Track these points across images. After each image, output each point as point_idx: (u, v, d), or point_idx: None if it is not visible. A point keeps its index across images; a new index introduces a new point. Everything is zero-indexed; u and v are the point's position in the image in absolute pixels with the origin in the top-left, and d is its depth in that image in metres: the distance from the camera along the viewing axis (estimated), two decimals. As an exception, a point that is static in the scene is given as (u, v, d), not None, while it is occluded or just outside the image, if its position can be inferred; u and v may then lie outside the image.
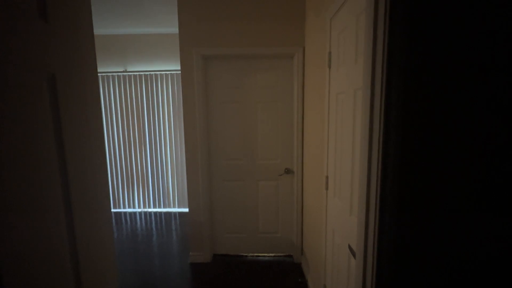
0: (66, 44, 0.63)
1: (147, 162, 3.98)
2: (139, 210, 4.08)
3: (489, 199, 0.63)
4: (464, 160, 0.65)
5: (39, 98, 0.55)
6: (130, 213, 4.01)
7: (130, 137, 3.94)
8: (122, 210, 4.08)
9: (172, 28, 3.50)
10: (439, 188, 0.70)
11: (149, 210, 4.08)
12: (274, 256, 2.74)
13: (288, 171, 2.61)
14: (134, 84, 3.81)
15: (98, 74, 3.73)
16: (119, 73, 3.76)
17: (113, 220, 3.77)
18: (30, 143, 0.51)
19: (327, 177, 1.68)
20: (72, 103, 0.64)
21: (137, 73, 3.76)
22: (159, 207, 4.07)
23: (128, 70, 3.77)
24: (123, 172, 4.00)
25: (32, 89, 0.53)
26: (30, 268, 0.50)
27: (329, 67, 1.61)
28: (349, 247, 1.24)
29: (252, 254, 2.76)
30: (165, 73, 3.77)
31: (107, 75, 3.77)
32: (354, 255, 1.18)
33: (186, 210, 4.02)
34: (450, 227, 0.69)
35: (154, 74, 3.77)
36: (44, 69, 0.56)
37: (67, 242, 0.62)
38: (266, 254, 2.76)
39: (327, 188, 1.69)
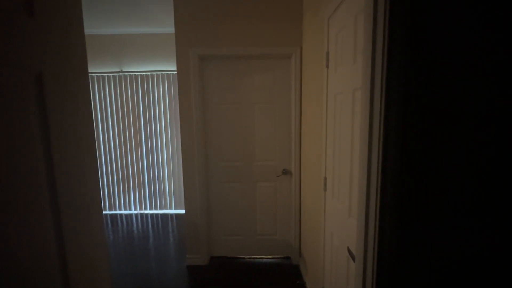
0: (54, 41, 0.61)
1: (143, 164, 3.94)
2: (135, 212, 4.04)
3: (493, 201, 0.61)
4: (467, 161, 0.64)
5: (25, 97, 0.52)
6: (126, 215, 3.96)
7: (126, 138, 3.89)
8: (118, 212, 4.03)
9: (168, 28, 3.47)
10: (441, 189, 0.68)
11: (145, 212, 4.04)
12: (272, 258, 2.72)
13: (286, 172, 2.59)
14: (130, 85, 3.77)
15: (94, 75, 3.70)
16: (115, 74, 3.72)
17: (109, 222, 3.73)
18: (14, 143, 0.49)
19: (325, 178, 1.66)
20: (60, 103, 0.62)
21: (133, 73, 3.72)
22: (156, 208, 4.03)
23: (123, 70, 3.73)
24: (119, 173, 3.96)
25: (17, 88, 0.50)
26: (13, 274, 0.47)
27: (327, 67, 1.59)
28: (348, 250, 1.22)
29: (250, 256, 2.73)
30: (161, 74, 3.74)
31: (102, 75, 3.72)
32: (353, 258, 1.16)
33: (183, 211, 3.99)
34: (453, 230, 0.67)
35: (150, 74, 3.74)
36: (30, 67, 0.53)
37: (54, 246, 0.59)
38: (264, 256, 2.73)
39: (325, 190, 1.67)
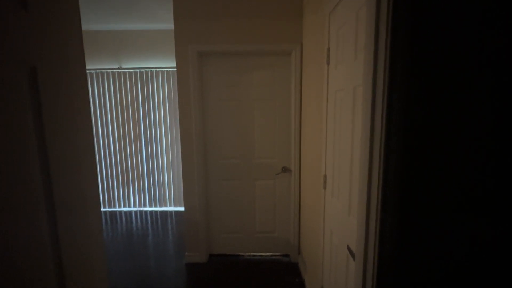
0: (49, 35, 0.59)
1: (143, 161, 3.93)
2: (135, 209, 4.03)
3: (496, 199, 0.60)
4: (469, 159, 0.63)
5: (18, 91, 0.51)
6: (125, 212, 3.96)
7: (125, 135, 3.87)
8: (117, 209, 4.03)
9: (167, 24, 3.44)
10: (444, 187, 0.67)
11: (145, 209, 4.03)
12: (271, 255, 2.72)
13: (285, 170, 2.58)
14: (129, 81, 3.74)
15: (92, 71, 3.67)
16: (114, 70, 3.70)
17: (108, 219, 3.72)
18: (6, 138, 0.47)
19: (325, 176, 1.66)
20: (56, 98, 0.60)
21: (132, 70, 3.70)
22: (155, 206, 4.02)
23: (122, 67, 3.71)
24: (118, 170, 3.95)
25: (10, 82, 0.49)
26: (6, 274, 0.46)
27: (328, 63, 1.58)
28: (348, 248, 1.22)
29: (249, 254, 2.73)
30: (160, 70, 3.71)
31: (101, 72, 3.70)
32: (353, 256, 1.15)
33: (182, 209, 3.98)
34: (455, 228, 0.66)
35: (150, 71, 3.71)
36: (24, 61, 0.52)
37: (49, 244, 0.58)
38: (263, 254, 2.73)
39: (325, 188, 1.66)
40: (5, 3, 0.48)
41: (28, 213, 0.52)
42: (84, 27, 3.46)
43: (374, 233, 0.84)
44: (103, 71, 3.69)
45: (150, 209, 4.03)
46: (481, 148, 0.62)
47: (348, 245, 1.23)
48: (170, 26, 3.46)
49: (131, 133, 3.87)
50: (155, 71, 3.72)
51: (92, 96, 3.75)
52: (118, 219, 3.73)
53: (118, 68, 3.69)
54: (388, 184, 0.78)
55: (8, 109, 0.48)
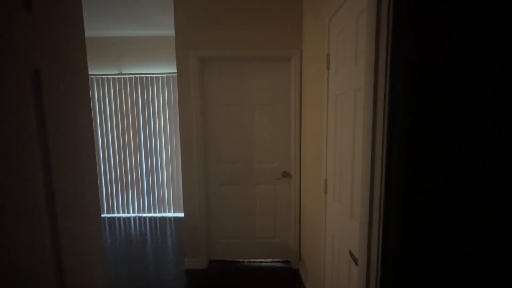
0: (52, 37, 0.59)
1: (142, 166, 3.91)
2: (134, 214, 4.00)
3: (500, 202, 0.59)
4: (473, 162, 0.62)
5: (22, 93, 0.51)
6: (124, 218, 3.93)
7: (125, 140, 3.87)
8: (116, 215, 3.99)
9: (168, 30, 3.47)
10: (447, 192, 0.67)
11: (144, 215, 4.00)
12: (271, 261, 2.69)
13: (286, 175, 2.57)
14: (129, 87, 3.76)
15: (93, 77, 3.69)
16: (115, 76, 3.71)
17: (107, 225, 3.69)
18: (9, 141, 0.47)
19: (326, 181, 1.65)
20: (58, 100, 0.60)
21: (133, 75, 3.72)
22: (154, 211, 3.99)
23: (123, 72, 3.72)
24: (117, 176, 3.93)
25: (14, 84, 0.49)
26: (7, 279, 0.45)
27: (328, 68, 1.59)
28: (350, 253, 1.20)
29: (249, 260, 2.70)
30: (161, 76, 3.73)
31: (102, 77, 3.71)
32: (355, 261, 1.14)
33: (182, 215, 3.95)
34: (460, 232, 0.65)
35: (150, 76, 3.73)
36: (28, 63, 0.52)
37: (50, 250, 0.57)
38: (263, 260, 2.70)
39: (326, 192, 1.65)
40: (10, 4, 0.48)
41: (29, 218, 0.51)
42: (86, 33, 3.49)
43: (377, 237, 0.83)
44: (104, 76, 3.71)
45: (150, 215, 4.00)
46: (485, 153, 0.61)
47: (350, 250, 1.22)
48: (171, 32, 3.50)
49: (131, 139, 3.87)
50: (156, 76, 3.73)
51: (92, 102, 3.76)
52: (117, 225, 3.70)
53: (119, 74, 3.71)
54: (391, 188, 0.77)
55: (11, 109, 0.48)
